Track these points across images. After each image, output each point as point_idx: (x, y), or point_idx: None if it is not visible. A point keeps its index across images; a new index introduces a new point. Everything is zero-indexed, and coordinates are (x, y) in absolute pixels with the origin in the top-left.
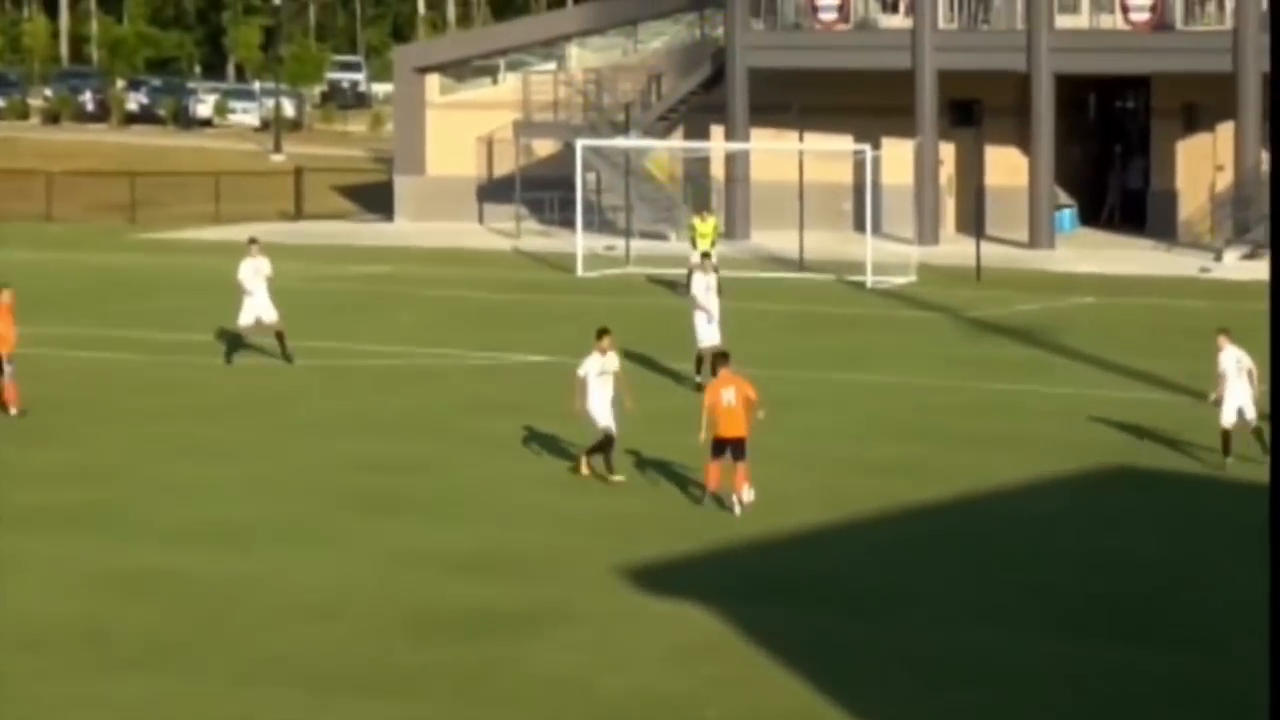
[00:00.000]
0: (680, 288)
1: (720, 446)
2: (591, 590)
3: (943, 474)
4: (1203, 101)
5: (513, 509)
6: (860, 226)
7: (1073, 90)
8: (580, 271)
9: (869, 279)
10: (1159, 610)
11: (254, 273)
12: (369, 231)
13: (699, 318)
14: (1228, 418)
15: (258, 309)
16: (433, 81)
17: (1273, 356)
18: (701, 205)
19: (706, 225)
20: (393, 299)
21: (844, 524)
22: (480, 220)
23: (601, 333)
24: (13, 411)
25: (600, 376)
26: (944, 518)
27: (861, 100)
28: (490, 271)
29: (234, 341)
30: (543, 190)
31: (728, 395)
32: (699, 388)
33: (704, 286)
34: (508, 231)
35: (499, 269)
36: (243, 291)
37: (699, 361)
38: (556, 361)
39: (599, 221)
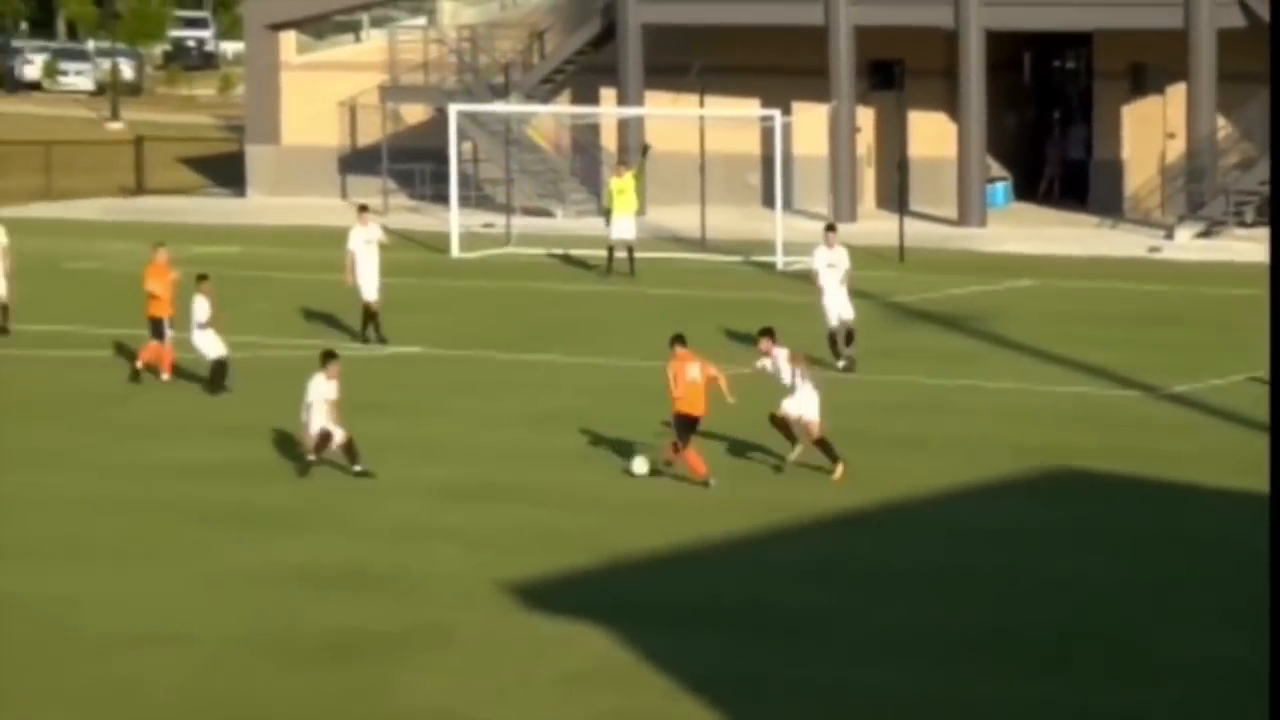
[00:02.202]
0: (599, 269)
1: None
2: (471, 610)
3: (861, 481)
4: (1151, 62)
5: (381, 520)
6: (769, 202)
7: (1006, 49)
8: (455, 252)
9: (779, 260)
10: (1095, 640)
11: (364, 242)
12: (218, 208)
13: None
14: None
15: (370, 287)
16: (288, 39)
17: (1273, 356)
18: (617, 162)
19: (625, 180)
20: (245, 284)
21: (751, 537)
22: (343, 195)
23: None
24: (165, 377)
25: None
26: (862, 530)
27: (770, 60)
28: (317, 251)
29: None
30: (413, 161)
31: (692, 372)
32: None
33: None
34: (374, 207)
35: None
36: (353, 264)
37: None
38: (430, 354)
39: (476, 196)
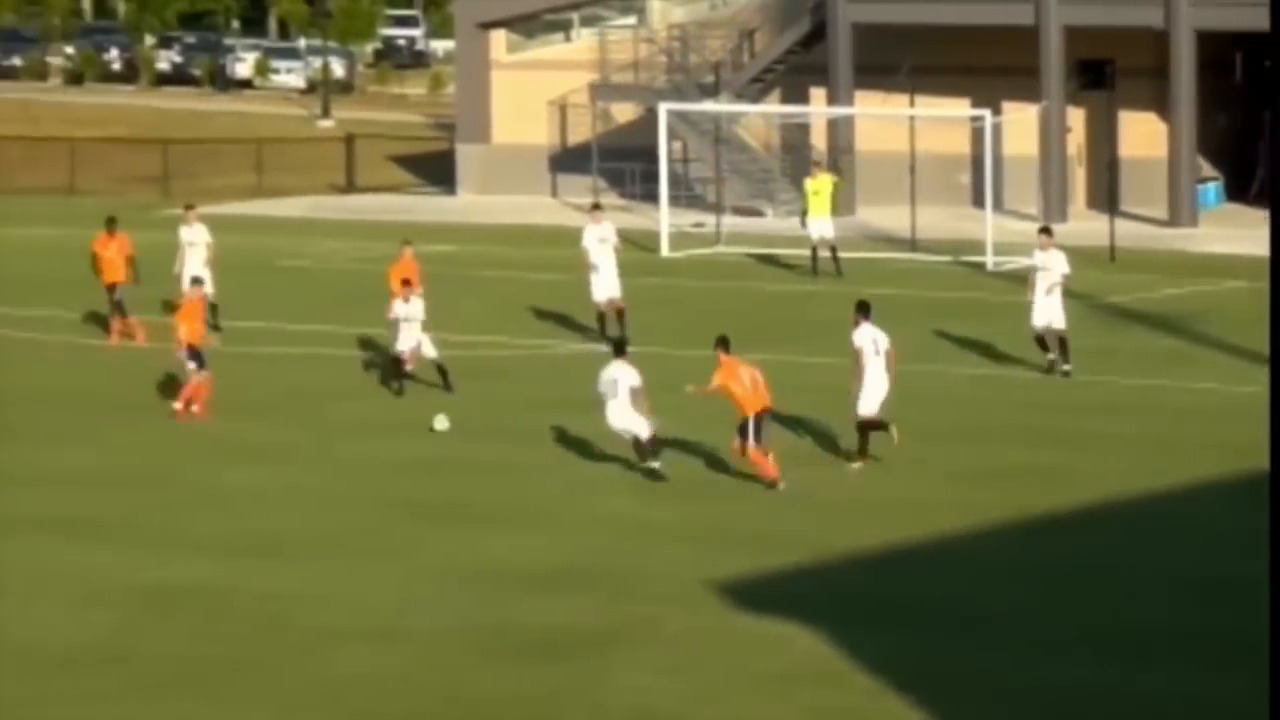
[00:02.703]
0: (803, 269)
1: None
2: (680, 608)
3: (1075, 481)
4: None
5: (590, 518)
6: (979, 202)
7: (1217, 49)
8: (665, 251)
9: (989, 260)
10: None
11: (599, 241)
12: (428, 206)
13: None
14: None
15: (608, 286)
16: (499, 38)
17: (1273, 357)
18: (811, 165)
19: (820, 181)
20: (455, 283)
21: (956, 537)
22: (553, 194)
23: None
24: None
25: None
26: (1073, 532)
27: (980, 60)
28: (564, 251)
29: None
30: (622, 160)
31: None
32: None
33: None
34: (584, 206)
35: (573, 249)
36: (588, 264)
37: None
38: (640, 352)
39: (686, 195)
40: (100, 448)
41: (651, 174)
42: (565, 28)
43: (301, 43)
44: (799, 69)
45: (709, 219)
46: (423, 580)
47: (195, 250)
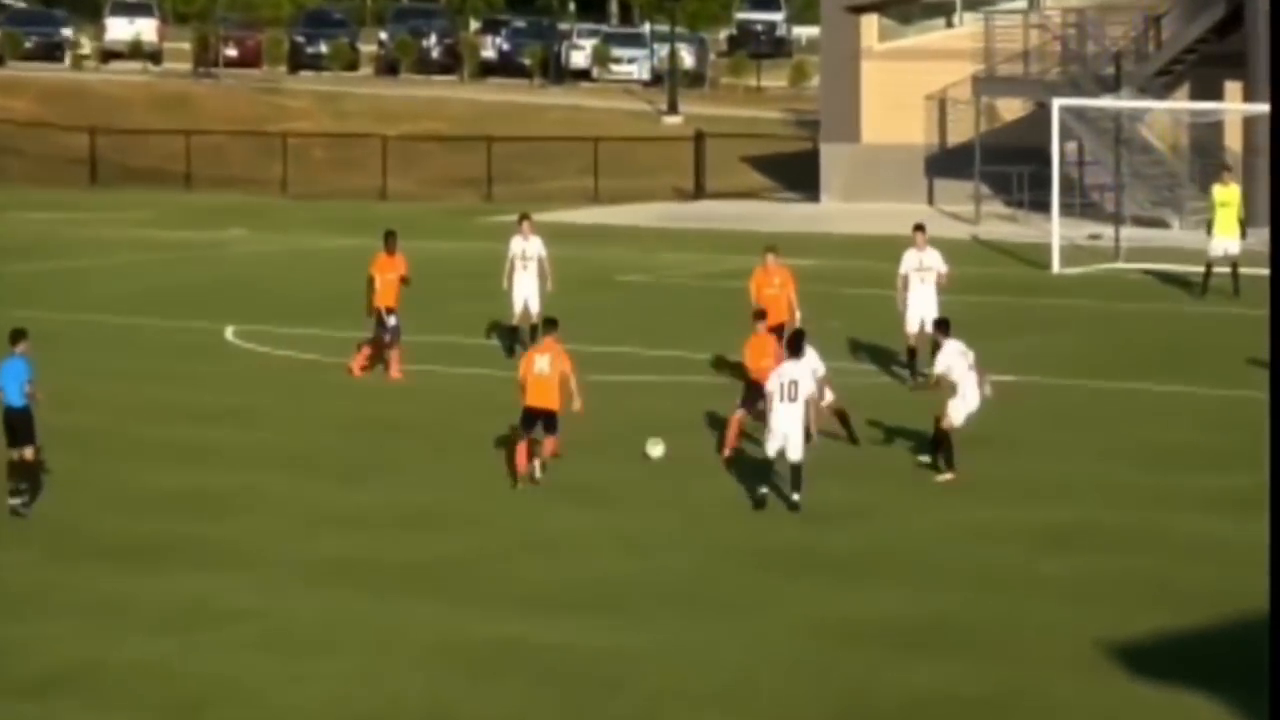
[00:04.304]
0: (1196, 288)
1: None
2: (1070, 673)
3: None
4: None
5: (963, 567)
6: None
7: None
8: (1057, 267)
9: None
10: None
11: (918, 266)
12: (788, 214)
13: None
14: None
15: (923, 308)
16: (870, 24)
17: (1273, 356)
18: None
19: (1230, 190)
20: (818, 300)
21: None
22: (929, 200)
23: None
24: None
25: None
26: None
27: None
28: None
29: (910, 353)
30: (1008, 163)
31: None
32: None
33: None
34: (964, 215)
35: (953, 262)
36: (905, 285)
37: None
38: (1027, 381)
39: (1081, 204)
40: (404, 485)
41: (1041, 179)
42: (947, 12)
43: (646, 28)
44: (1211, 59)
45: (1106, 231)
46: (774, 637)
47: (529, 266)
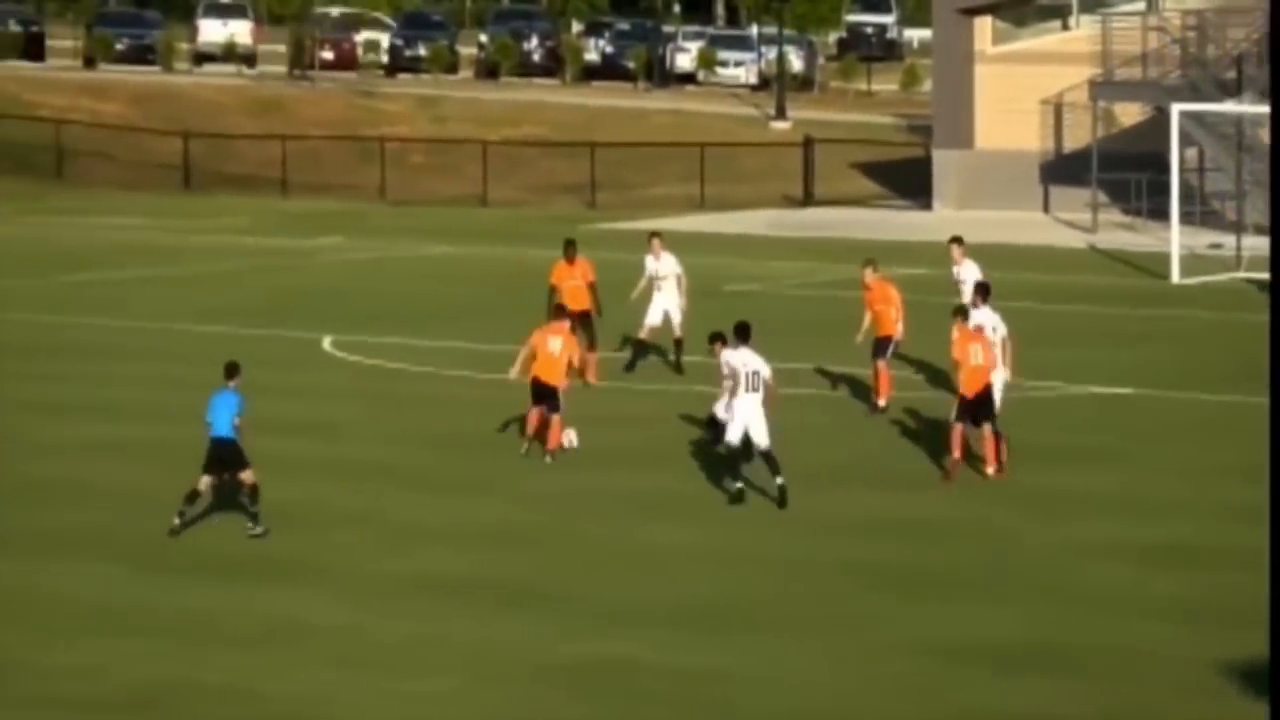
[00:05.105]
0: None
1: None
2: (1186, 697)
3: None
4: None
5: (1074, 587)
6: None
7: None
8: (1176, 277)
9: None
10: None
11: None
12: (899, 222)
13: None
14: None
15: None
16: (984, 26)
17: (1273, 357)
18: None
19: None
20: (930, 311)
21: None
22: (1044, 208)
23: None
24: (881, 403)
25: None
26: None
27: None
28: (1057, 275)
29: None
30: (1127, 170)
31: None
32: None
33: None
34: (1081, 223)
35: (1069, 271)
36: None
37: None
38: (1142, 394)
39: (1201, 212)
40: (493, 499)
41: (1161, 186)
42: (1063, 14)
43: (753, 31)
44: None
45: (1228, 240)
46: (882, 657)
47: (664, 285)
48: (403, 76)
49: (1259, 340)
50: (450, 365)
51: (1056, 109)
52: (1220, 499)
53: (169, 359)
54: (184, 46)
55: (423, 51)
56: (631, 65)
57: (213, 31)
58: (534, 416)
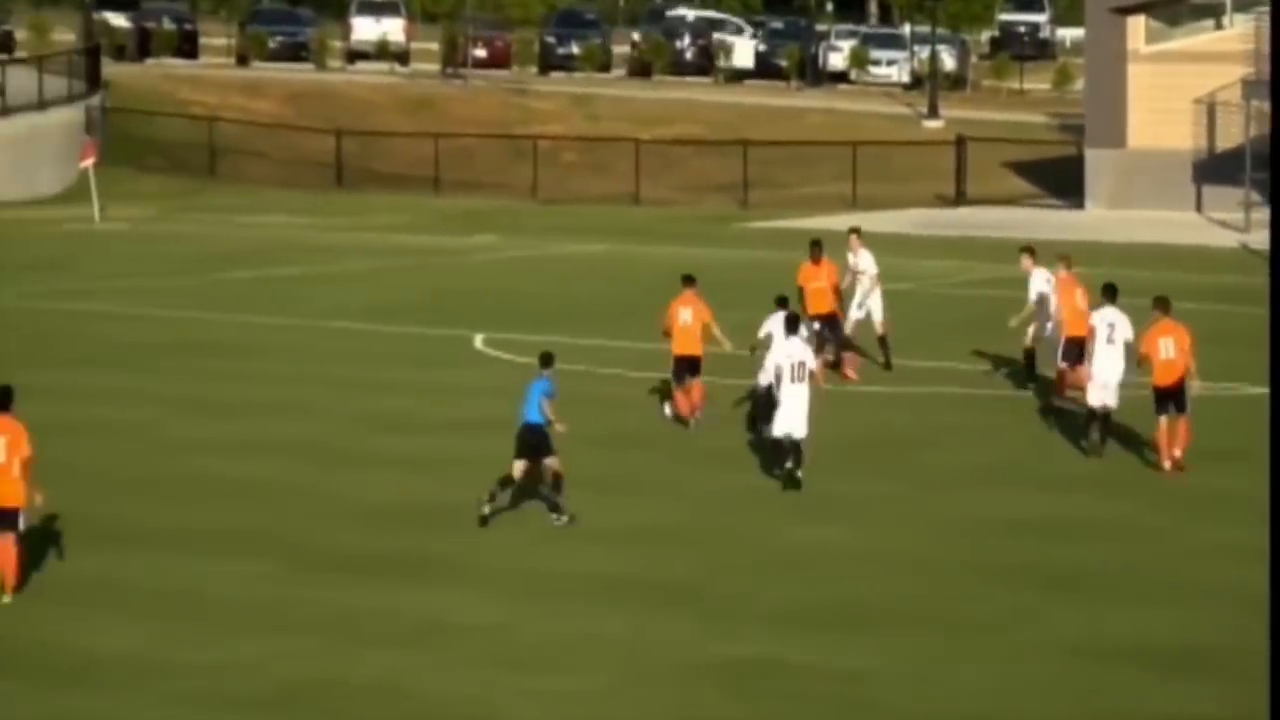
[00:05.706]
0: None
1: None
2: None
3: None
4: None
5: (1228, 587)
6: None
7: None
8: None
9: None
10: None
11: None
12: (1051, 221)
13: None
14: None
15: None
16: (1137, 25)
17: (1273, 357)
18: None
19: None
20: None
21: None
22: (1197, 208)
23: None
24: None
25: None
26: None
27: None
28: (1210, 276)
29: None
30: None
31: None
32: None
33: None
34: (1234, 223)
35: (1222, 272)
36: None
37: None
38: None
39: None
40: (644, 499)
41: None
42: (1217, 13)
43: (906, 29)
44: None
45: None
46: (1030, 658)
47: (861, 280)
48: (555, 75)
49: None
50: (603, 364)
51: (1209, 108)
52: None
53: (322, 357)
54: (337, 44)
55: (575, 50)
56: (784, 64)
57: (366, 29)
58: (681, 399)
